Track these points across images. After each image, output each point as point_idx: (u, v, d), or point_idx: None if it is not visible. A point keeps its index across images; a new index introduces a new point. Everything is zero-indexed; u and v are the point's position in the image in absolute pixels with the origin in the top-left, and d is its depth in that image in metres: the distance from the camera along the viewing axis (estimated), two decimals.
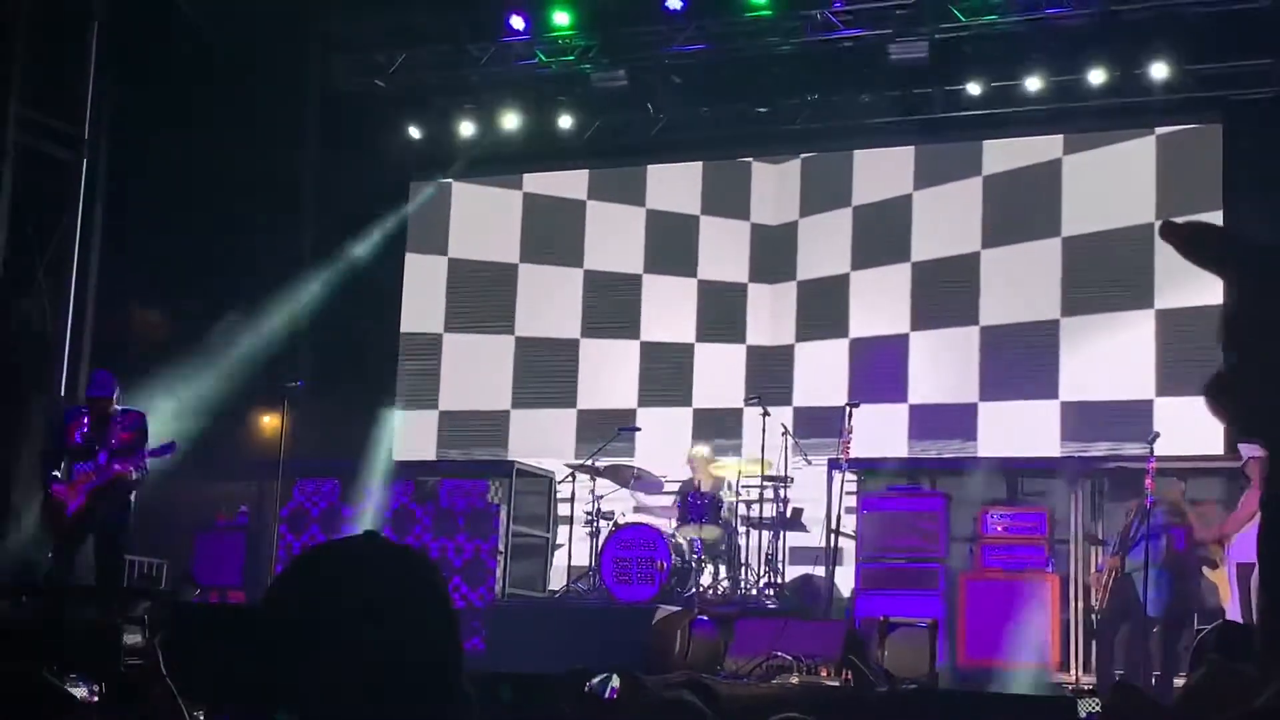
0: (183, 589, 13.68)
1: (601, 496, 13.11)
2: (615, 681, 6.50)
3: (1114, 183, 14.87)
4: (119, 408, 10.82)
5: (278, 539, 13.12)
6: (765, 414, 13.04)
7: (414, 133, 16.82)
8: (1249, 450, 10.54)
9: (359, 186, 16.79)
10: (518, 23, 15.67)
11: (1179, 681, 10.00)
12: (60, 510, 10.52)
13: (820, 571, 12.46)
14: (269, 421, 15.46)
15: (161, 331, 15.80)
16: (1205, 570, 10.99)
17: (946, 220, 15.59)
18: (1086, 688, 10.68)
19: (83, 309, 15.69)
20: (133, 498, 10.85)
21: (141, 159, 15.50)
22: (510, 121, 16.42)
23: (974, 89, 14.95)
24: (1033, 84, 14.70)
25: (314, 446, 14.59)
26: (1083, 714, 7.96)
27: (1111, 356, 14.52)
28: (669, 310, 16.58)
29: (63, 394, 15.13)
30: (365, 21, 16.14)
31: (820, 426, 14.36)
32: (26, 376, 14.89)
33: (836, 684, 9.85)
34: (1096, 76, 14.42)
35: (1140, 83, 14.40)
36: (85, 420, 10.74)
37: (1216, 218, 14.21)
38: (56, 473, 10.63)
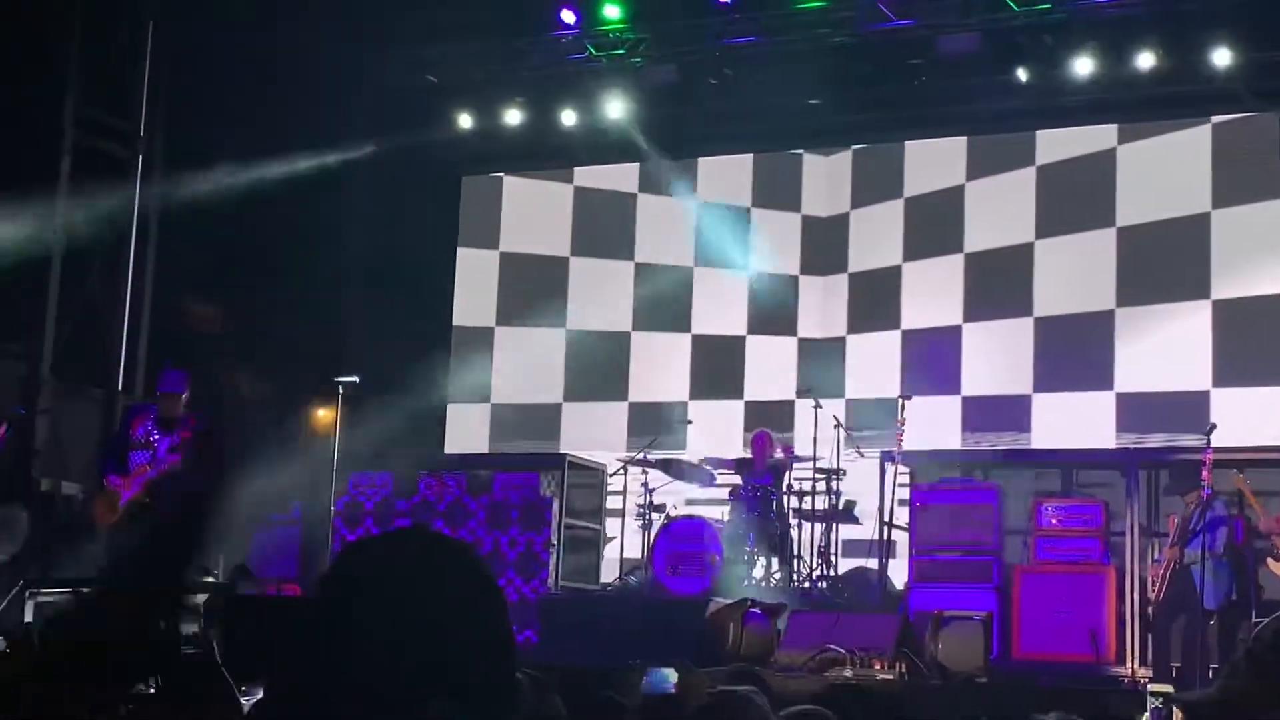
0: (239, 581, 13.78)
1: (653, 489, 13.12)
2: (673, 675, 6.50)
3: (1169, 172, 14.73)
4: (186, 411, 10.89)
5: (332, 532, 13.20)
6: (817, 406, 13.01)
7: (465, 127, 16.87)
8: None
9: (410, 181, 16.85)
10: (568, 16, 15.70)
11: None
12: (115, 500, 10.62)
13: (873, 564, 12.42)
14: (323, 415, 15.55)
15: (217, 326, 15.91)
16: (1270, 561, 10.89)
17: (999, 211, 15.50)
18: (1143, 680, 10.61)
19: (139, 305, 15.84)
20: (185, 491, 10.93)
21: (196, 155, 15.61)
22: (561, 115, 16.44)
23: (1026, 79, 14.83)
24: (1086, 73, 14.56)
25: (368, 440, 14.66)
26: (1151, 707, 7.90)
27: (1167, 347, 14.40)
28: (720, 303, 16.56)
29: (120, 389, 15.28)
30: (416, 16, 16.19)
31: (872, 419, 14.32)
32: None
33: (890, 677, 9.82)
34: (1151, 65, 14.27)
35: (1195, 71, 14.24)
36: (152, 416, 10.82)
37: (1273, 206, 14.08)
38: (115, 465, 10.72)
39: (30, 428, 14.20)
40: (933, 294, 15.64)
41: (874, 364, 15.65)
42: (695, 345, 16.61)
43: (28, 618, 11.29)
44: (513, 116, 16.65)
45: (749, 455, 13.46)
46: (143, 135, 15.82)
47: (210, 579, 13.54)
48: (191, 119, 15.61)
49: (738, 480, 13.27)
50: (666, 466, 13.41)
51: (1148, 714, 8.08)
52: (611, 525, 13.94)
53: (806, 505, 13.11)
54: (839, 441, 13.08)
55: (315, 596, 1.97)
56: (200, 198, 15.42)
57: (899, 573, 12.30)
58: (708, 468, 13.46)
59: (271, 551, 13.93)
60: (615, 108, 16.25)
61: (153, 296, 15.93)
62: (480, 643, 1.91)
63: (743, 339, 16.46)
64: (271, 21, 15.20)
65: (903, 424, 11.63)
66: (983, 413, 15.01)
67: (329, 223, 16.74)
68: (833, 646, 10.08)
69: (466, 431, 16.81)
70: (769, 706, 4.11)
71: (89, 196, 15.34)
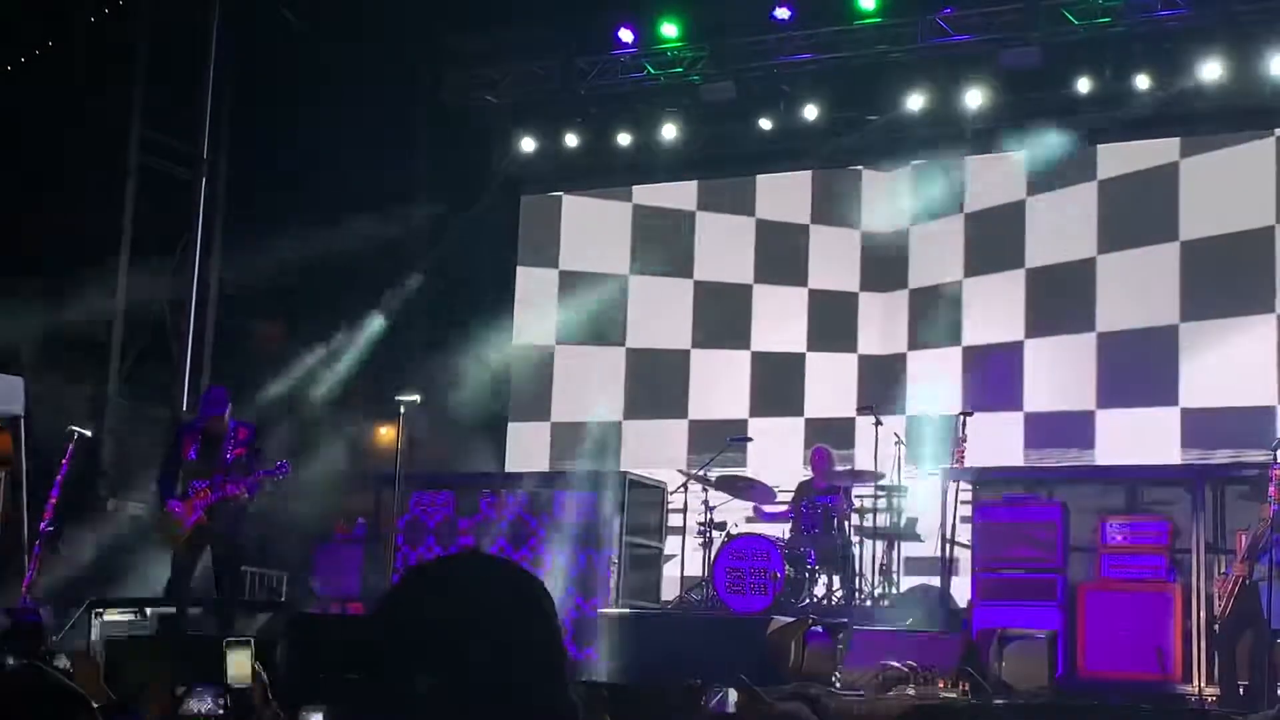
0: (303, 600, 13.88)
1: (714, 507, 13.09)
2: (732, 695, 6.50)
3: (1232, 185, 14.58)
4: (231, 422, 10.98)
5: (395, 550, 13.26)
6: (878, 423, 12.95)
7: (524, 146, 16.95)
8: None
9: (470, 200, 16.95)
10: (626, 36, 15.76)
11: None
12: (179, 525, 10.70)
13: (935, 582, 12.34)
14: (385, 434, 15.65)
15: (281, 345, 16.06)
16: None
17: (1061, 226, 15.38)
18: (1210, 699, 10.49)
19: (203, 324, 16.00)
20: (247, 512, 11.02)
21: (258, 177, 15.78)
22: (619, 134, 16.49)
23: (1087, 92, 14.74)
24: (1147, 86, 14.47)
25: (429, 459, 14.74)
26: None
27: (1232, 362, 14.24)
28: (780, 320, 16.53)
29: (184, 408, 15.44)
30: (475, 37, 16.30)
31: (934, 435, 14.24)
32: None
33: (953, 695, 9.75)
34: (1212, 77, 14.16)
35: (1258, 83, 14.12)
36: (200, 437, 10.90)
37: None
38: (175, 488, 10.81)
39: (97, 448, 14.36)
40: (994, 310, 15.55)
41: (935, 380, 15.56)
42: (755, 362, 16.58)
43: (93, 636, 11.42)
44: (571, 136, 16.72)
45: (807, 477, 13.41)
46: (206, 158, 16.00)
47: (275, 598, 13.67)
48: (254, 141, 15.78)
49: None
50: (727, 484, 13.38)
51: None
52: (672, 543, 13.91)
53: (868, 523, 13.05)
54: (900, 458, 13.01)
55: (375, 618, 1.99)
56: (262, 218, 15.59)
57: (962, 591, 12.21)
58: (770, 486, 13.42)
59: (335, 569, 14.01)
60: (673, 125, 16.30)
61: (216, 317, 16.10)
62: (537, 664, 1.92)
63: (802, 356, 16.42)
64: (332, 45, 15.35)
65: (964, 441, 11.55)
66: (1046, 429, 14.89)
67: (390, 242, 16.85)
68: (895, 665, 10.02)
69: (527, 450, 16.85)
70: None
71: (153, 219, 15.53)
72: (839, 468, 13.38)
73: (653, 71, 16.08)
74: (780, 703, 4.99)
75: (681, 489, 13.51)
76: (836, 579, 12.76)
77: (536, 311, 17.35)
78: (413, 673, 1.89)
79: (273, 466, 10.91)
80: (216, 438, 10.84)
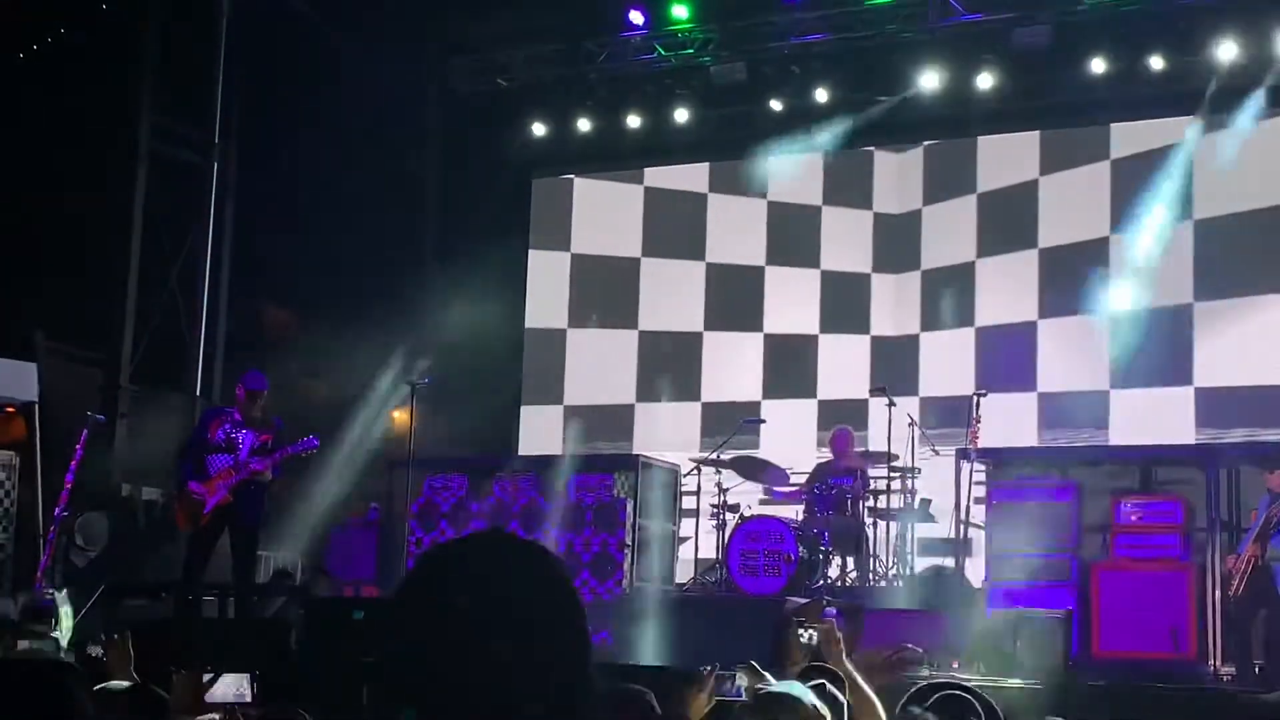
0: (317, 584, 13.91)
1: (727, 489, 13.09)
2: (742, 679, 6.47)
3: (1246, 163, 14.51)
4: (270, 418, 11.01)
5: (408, 534, 13.28)
6: (891, 404, 12.94)
7: (535, 130, 16.93)
8: None
9: (481, 184, 16.93)
10: (637, 18, 15.73)
11: None
12: (199, 506, 10.69)
13: (950, 563, 12.34)
14: (398, 417, 15.65)
15: (291, 330, 16.06)
16: None
17: (1074, 205, 15.33)
18: (1226, 678, 10.48)
19: (215, 309, 16.02)
20: (265, 496, 11.02)
21: (269, 162, 15.78)
22: (630, 116, 16.46)
23: (1100, 71, 14.68)
24: (1160, 64, 14.40)
25: (442, 442, 14.74)
26: None
27: (1247, 341, 14.20)
28: (792, 302, 16.50)
29: (198, 393, 15.46)
30: (485, 21, 16.27)
31: (947, 416, 14.21)
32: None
33: (968, 676, 9.74)
34: (1226, 55, 14.09)
35: (1272, 61, 14.05)
36: (230, 419, 10.90)
37: None
38: (194, 470, 10.81)
39: (110, 433, 14.39)
40: (1007, 290, 15.51)
41: (948, 361, 15.54)
42: (767, 344, 16.57)
43: (109, 621, 11.42)
44: (582, 118, 16.70)
45: (826, 459, 13.39)
46: (217, 143, 16.01)
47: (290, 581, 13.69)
48: (265, 127, 15.78)
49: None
50: (740, 466, 13.37)
51: None
52: (686, 525, 13.92)
53: (882, 504, 13.04)
54: (914, 439, 12.99)
55: (395, 599, 1.98)
56: (274, 204, 15.59)
57: (976, 571, 12.21)
58: (783, 468, 13.41)
59: (349, 553, 14.04)
60: (685, 108, 16.26)
61: (228, 302, 16.12)
62: (558, 642, 1.92)
63: (815, 337, 16.40)
64: (343, 30, 15.33)
65: (978, 421, 11.52)
66: (1059, 409, 14.86)
67: (402, 227, 16.85)
68: (910, 646, 10.01)
69: (540, 433, 16.86)
70: (815, 704, 4.12)
71: (165, 204, 15.54)
72: (856, 448, 13.38)
73: (663, 53, 16.05)
74: (779, 683, 4.99)
75: (695, 471, 13.52)
76: (850, 560, 12.76)
77: (549, 294, 17.35)
78: (433, 656, 1.88)
79: (302, 441, 10.89)
80: (251, 419, 10.85)
